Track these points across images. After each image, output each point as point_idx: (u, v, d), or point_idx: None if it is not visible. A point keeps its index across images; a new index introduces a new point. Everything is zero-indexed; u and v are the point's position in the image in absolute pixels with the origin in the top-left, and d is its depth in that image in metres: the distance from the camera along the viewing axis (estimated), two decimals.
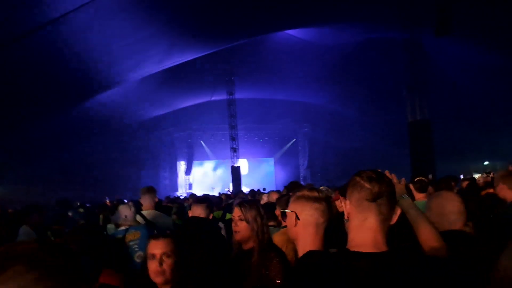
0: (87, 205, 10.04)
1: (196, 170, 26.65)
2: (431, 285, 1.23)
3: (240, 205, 2.44)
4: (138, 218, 3.88)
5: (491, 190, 4.55)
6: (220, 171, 26.99)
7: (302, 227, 1.64)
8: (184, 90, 19.56)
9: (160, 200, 5.82)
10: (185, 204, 7.17)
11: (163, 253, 2.03)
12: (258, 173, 27.48)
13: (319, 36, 16.65)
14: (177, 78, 17.24)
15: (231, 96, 20.09)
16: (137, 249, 3.36)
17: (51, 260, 0.84)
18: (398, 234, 1.45)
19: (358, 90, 19.73)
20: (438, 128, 15.28)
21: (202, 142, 26.28)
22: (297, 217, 1.65)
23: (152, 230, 3.60)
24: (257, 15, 13.20)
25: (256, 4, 12.34)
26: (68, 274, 0.85)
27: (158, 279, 2.01)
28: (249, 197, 7.85)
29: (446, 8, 12.10)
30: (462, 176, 12.86)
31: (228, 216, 5.28)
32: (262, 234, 2.30)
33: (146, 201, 4.20)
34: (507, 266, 1.14)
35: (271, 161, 28.51)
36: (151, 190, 4.26)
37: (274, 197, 4.69)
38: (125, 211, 3.63)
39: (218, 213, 5.91)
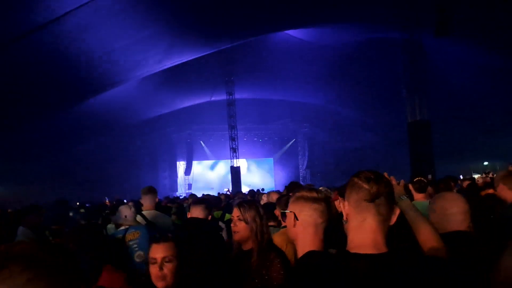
0: (87, 205, 10.02)
1: (196, 170, 26.65)
2: (432, 286, 1.22)
3: (239, 205, 2.43)
4: (139, 218, 3.88)
5: (490, 191, 4.54)
6: (219, 172, 26.99)
7: (301, 228, 1.63)
8: (184, 90, 19.56)
9: (159, 200, 5.82)
10: (185, 204, 7.17)
11: (164, 258, 2.03)
12: (257, 173, 27.48)
13: (319, 36, 16.65)
14: (177, 78, 17.25)
15: (230, 96, 20.08)
16: (136, 248, 3.36)
17: (48, 260, 0.83)
18: (397, 235, 1.45)
19: (358, 90, 19.75)
20: (438, 129, 15.29)
21: (201, 142, 26.28)
22: (295, 218, 1.65)
23: (152, 230, 3.60)
24: (257, 15, 13.20)
25: (256, 4, 12.34)
26: (65, 274, 0.85)
27: (159, 284, 2.01)
28: (249, 197, 7.84)
29: (445, 9, 12.11)
30: (461, 177, 12.87)
31: (227, 216, 5.28)
32: (261, 234, 2.29)
33: (146, 201, 4.19)
34: (508, 267, 1.14)
35: (270, 161, 28.52)
36: (152, 191, 4.26)
37: (274, 197, 4.68)
38: (125, 211, 3.63)
39: (217, 213, 5.91)
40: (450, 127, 18.32)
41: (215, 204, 6.42)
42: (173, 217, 5.29)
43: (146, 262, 2.13)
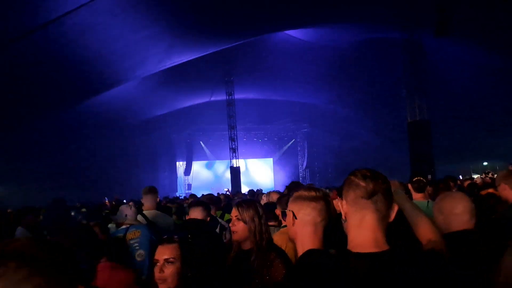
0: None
1: (196, 170, 26.65)
2: (433, 285, 1.22)
3: (238, 205, 2.42)
4: (140, 218, 3.88)
5: (491, 190, 4.54)
6: (219, 172, 26.99)
7: (300, 226, 1.64)
8: (183, 90, 19.56)
9: (159, 201, 5.81)
10: (185, 205, 7.16)
11: (165, 260, 2.03)
12: (257, 173, 27.48)
13: (318, 37, 16.64)
14: (177, 78, 17.24)
15: (230, 97, 20.08)
16: (137, 247, 3.37)
17: (44, 257, 0.83)
18: (396, 231, 1.45)
19: (358, 91, 19.74)
20: (438, 128, 15.30)
21: (201, 142, 26.29)
22: (294, 216, 1.65)
23: (153, 229, 3.60)
24: (257, 15, 13.20)
25: (256, 4, 12.34)
26: (61, 271, 0.85)
27: (160, 285, 2.01)
28: (248, 197, 7.82)
29: (445, 9, 12.11)
30: (461, 177, 12.89)
31: (226, 216, 5.28)
32: (260, 234, 2.28)
33: (147, 201, 4.20)
34: (509, 267, 1.13)
35: (270, 162, 28.52)
36: (152, 190, 4.26)
37: (274, 197, 4.68)
38: (126, 210, 3.64)
39: (217, 214, 5.90)
40: (450, 127, 18.33)
41: (215, 204, 6.40)
42: (174, 217, 5.28)
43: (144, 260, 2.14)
